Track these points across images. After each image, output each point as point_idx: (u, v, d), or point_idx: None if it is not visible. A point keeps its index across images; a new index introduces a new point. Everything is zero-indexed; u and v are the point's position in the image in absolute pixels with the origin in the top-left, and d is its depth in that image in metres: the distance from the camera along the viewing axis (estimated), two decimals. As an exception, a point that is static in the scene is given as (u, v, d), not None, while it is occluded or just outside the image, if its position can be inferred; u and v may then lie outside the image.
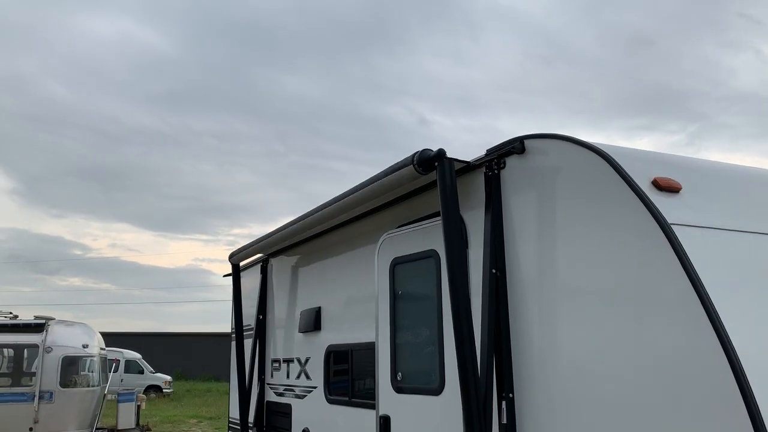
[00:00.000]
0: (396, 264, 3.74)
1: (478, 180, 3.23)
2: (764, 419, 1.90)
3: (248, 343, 6.02)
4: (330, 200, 3.99)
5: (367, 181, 3.56)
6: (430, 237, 3.49)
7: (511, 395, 2.86)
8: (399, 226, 3.79)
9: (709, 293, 2.12)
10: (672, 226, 2.29)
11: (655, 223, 2.30)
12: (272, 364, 5.63)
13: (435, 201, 3.55)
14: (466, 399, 2.70)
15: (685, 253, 2.20)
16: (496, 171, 3.12)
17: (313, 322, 4.80)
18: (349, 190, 3.74)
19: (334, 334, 4.59)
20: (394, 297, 3.72)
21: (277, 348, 5.56)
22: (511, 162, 3.06)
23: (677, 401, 2.16)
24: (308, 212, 4.29)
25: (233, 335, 6.45)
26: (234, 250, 5.80)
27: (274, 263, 5.82)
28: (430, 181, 3.57)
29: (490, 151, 3.17)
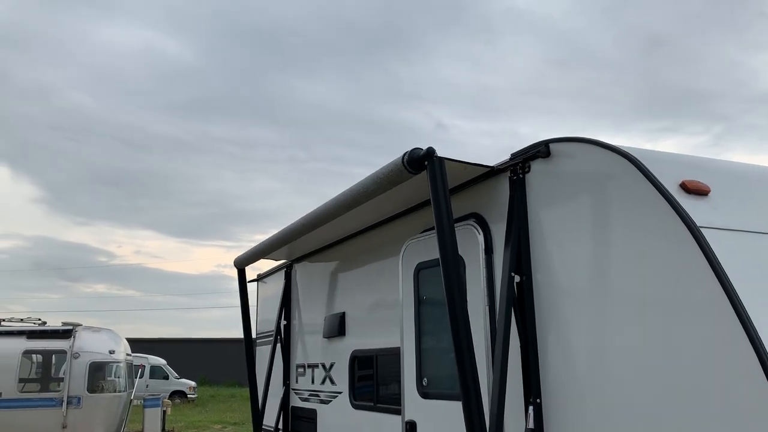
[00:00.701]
0: (420, 269, 3.74)
1: (503, 184, 3.22)
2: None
3: (266, 349, 6.05)
4: (326, 202, 3.93)
5: (359, 182, 3.49)
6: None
7: (538, 400, 2.84)
8: (423, 231, 3.79)
9: (740, 296, 2.09)
10: (701, 229, 2.27)
11: (684, 226, 2.28)
12: (297, 369, 5.65)
13: (458, 205, 3.55)
14: (467, 405, 2.69)
15: (715, 257, 2.18)
16: (521, 175, 3.11)
17: (337, 327, 4.82)
18: (343, 192, 3.68)
19: (358, 340, 4.60)
20: (419, 302, 3.72)
21: (301, 353, 5.59)
22: (537, 166, 3.05)
23: (708, 406, 2.14)
24: (306, 215, 4.24)
25: (256, 340, 6.50)
26: (239, 255, 5.79)
27: (298, 269, 5.85)
28: (453, 186, 3.57)
29: (514, 155, 3.16)
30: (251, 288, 6.56)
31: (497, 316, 2.95)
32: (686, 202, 2.36)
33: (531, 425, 2.76)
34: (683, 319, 2.26)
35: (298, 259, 5.80)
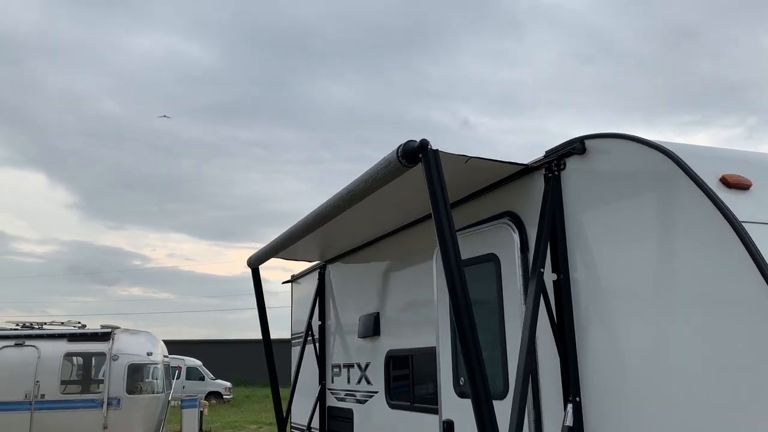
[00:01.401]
0: (455, 268, 3.73)
1: (538, 182, 3.20)
2: None
3: (296, 350, 6.11)
4: (328, 199, 3.87)
5: (358, 177, 3.41)
6: (489, 240, 3.47)
7: (578, 399, 2.82)
8: (458, 230, 3.78)
9: (785, 292, 2.05)
10: (743, 224, 2.23)
11: (726, 221, 2.24)
12: (333, 369, 5.69)
13: (492, 204, 3.54)
14: (476, 399, 2.65)
15: (758, 251, 2.14)
16: (556, 173, 3.09)
17: (372, 327, 4.83)
18: (343, 189, 3.60)
19: (393, 339, 4.61)
20: (455, 301, 3.71)
21: (337, 353, 5.62)
22: (572, 163, 3.03)
23: (751, 402, 2.10)
24: (311, 212, 4.14)
25: (291, 340, 6.55)
26: (251, 254, 5.68)
27: (332, 269, 5.89)
28: (487, 184, 3.57)
29: (549, 153, 3.14)
30: (283, 289, 6.63)
31: (525, 313, 2.93)
32: (727, 197, 2.32)
33: (569, 423, 2.74)
34: (727, 317, 2.22)
35: (332, 260, 5.83)
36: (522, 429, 2.76)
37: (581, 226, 2.93)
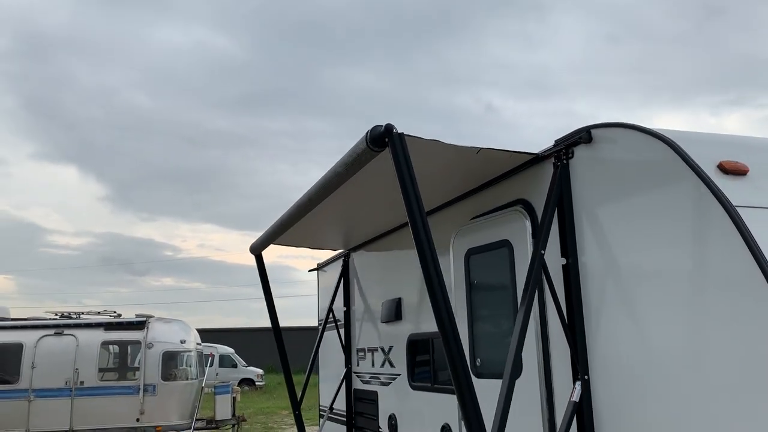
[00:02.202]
0: (470, 254, 3.88)
1: (548, 170, 3.32)
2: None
3: (328, 335, 6.33)
4: (311, 187, 3.92)
5: (334, 164, 3.48)
6: (503, 227, 3.61)
7: (586, 377, 2.96)
8: (473, 218, 3.93)
9: (776, 273, 2.16)
10: (737, 208, 2.34)
11: (720, 206, 2.35)
12: (358, 353, 5.88)
13: (505, 192, 3.67)
14: (456, 380, 2.75)
15: (750, 235, 2.25)
16: (564, 161, 3.21)
17: (394, 312, 5.01)
18: (321, 177, 3.70)
19: (414, 324, 4.78)
20: (470, 286, 3.87)
21: (361, 337, 5.81)
22: (579, 152, 3.15)
23: (744, 375, 2.22)
24: (298, 199, 4.18)
25: (319, 327, 6.77)
26: (254, 241, 5.54)
27: (356, 257, 6.07)
28: (500, 173, 3.70)
29: (558, 142, 3.26)
30: (311, 277, 6.84)
31: (522, 295, 3.04)
32: (723, 183, 2.43)
33: (576, 398, 2.88)
34: (721, 297, 2.34)
35: (355, 249, 6.01)
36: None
37: (589, 213, 3.06)
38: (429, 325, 4.51)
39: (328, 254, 6.89)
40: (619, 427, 2.77)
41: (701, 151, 2.57)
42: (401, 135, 2.85)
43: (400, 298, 5.00)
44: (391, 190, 3.99)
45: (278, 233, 4.84)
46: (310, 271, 7.26)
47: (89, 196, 67.51)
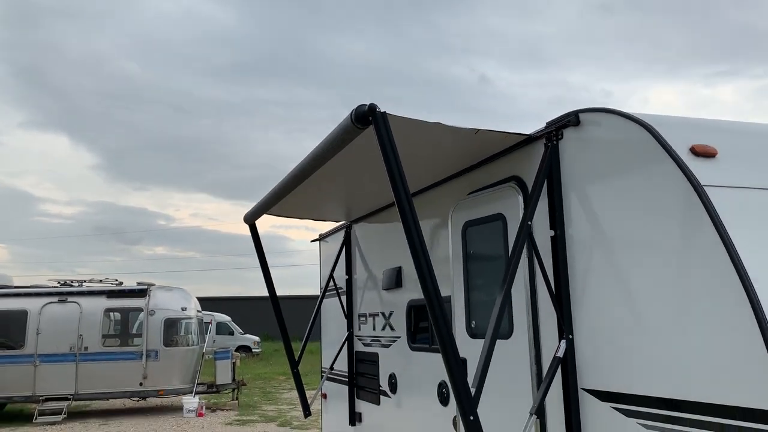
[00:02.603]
0: (467, 226, 4.21)
1: (539, 150, 3.62)
2: (777, 347, 2.28)
3: (329, 302, 6.68)
4: (302, 160, 4.11)
5: (322, 141, 3.66)
6: (497, 201, 3.93)
7: (570, 336, 3.30)
8: (470, 193, 4.24)
9: (735, 244, 2.49)
10: (705, 187, 2.66)
11: (690, 185, 2.67)
12: (359, 318, 6.24)
13: (501, 170, 3.98)
14: (441, 340, 3.04)
15: (714, 210, 2.57)
16: (554, 142, 3.51)
17: (394, 280, 5.35)
18: (311, 151, 3.87)
19: (414, 291, 5.12)
20: (467, 256, 4.20)
21: (363, 304, 6.17)
22: (568, 133, 3.45)
23: (707, 335, 2.56)
24: (290, 171, 4.37)
25: (321, 293, 7.12)
26: (247, 211, 5.61)
27: (357, 228, 6.39)
28: (495, 152, 4.00)
29: (549, 124, 3.56)
30: (307, 247, 7.17)
31: (507, 262, 3.34)
32: (693, 164, 2.75)
33: (560, 354, 3.23)
34: (688, 266, 2.67)
35: (357, 220, 6.33)
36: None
37: (576, 189, 3.37)
38: (428, 291, 4.85)
39: (325, 226, 7.20)
40: (599, 379, 3.13)
41: (675, 134, 2.87)
42: (384, 114, 3.07)
43: (400, 267, 5.34)
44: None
45: (270, 204, 5.03)
46: (312, 241, 7.59)
47: (81, 164, 67.43)
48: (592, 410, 3.16)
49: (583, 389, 3.22)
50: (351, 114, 3.15)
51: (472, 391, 3.03)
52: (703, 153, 2.83)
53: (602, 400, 3.10)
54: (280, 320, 5.79)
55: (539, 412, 3.34)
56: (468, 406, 2.92)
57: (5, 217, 68.10)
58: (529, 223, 3.37)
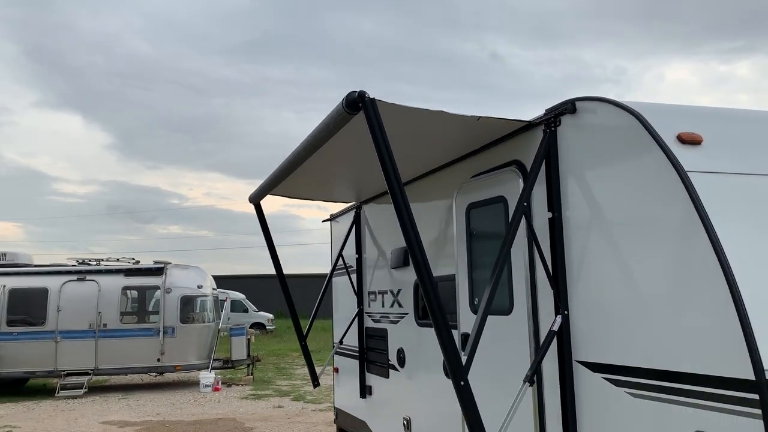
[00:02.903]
0: (471, 208, 4.41)
1: (539, 136, 3.81)
2: (749, 316, 2.48)
3: (339, 280, 6.93)
4: (300, 144, 4.30)
5: (318, 125, 3.86)
6: (499, 185, 4.12)
7: (566, 312, 3.52)
8: (473, 176, 4.44)
9: (715, 226, 2.68)
10: (689, 173, 2.84)
11: (675, 171, 2.86)
12: (369, 296, 6.49)
13: (502, 154, 4.17)
14: (434, 319, 3.27)
15: (697, 195, 2.76)
16: (553, 128, 3.70)
17: (402, 259, 5.57)
18: (306, 137, 4.07)
19: (421, 269, 5.33)
20: (470, 236, 4.41)
21: (373, 282, 6.41)
22: (565, 120, 3.63)
23: (685, 302, 2.77)
24: (289, 154, 4.55)
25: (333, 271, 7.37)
26: (252, 192, 5.75)
27: (367, 209, 6.61)
28: (498, 136, 4.19)
29: (548, 111, 3.74)
30: (319, 227, 7.42)
31: (506, 241, 3.54)
32: (679, 151, 2.93)
33: (555, 328, 3.45)
34: (672, 247, 2.87)
35: (366, 201, 6.55)
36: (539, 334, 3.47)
37: (572, 173, 3.56)
38: (434, 270, 5.06)
39: (336, 206, 7.43)
40: (591, 351, 3.35)
41: (662, 122, 3.05)
42: (373, 100, 3.24)
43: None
44: (398, 149, 4.48)
45: (271, 186, 5.20)
46: (323, 221, 7.82)
47: (95, 144, 67.98)
48: (585, 380, 3.38)
49: (576, 361, 3.45)
50: (342, 100, 3.34)
51: (464, 359, 3.26)
52: (689, 140, 3.01)
53: (594, 371, 3.32)
54: (287, 296, 6.06)
55: (533, 381, 3.55)
56: (459, 373, 3.15)
57: (20, 196, 69.01)
58: (525, 204, 3.57)
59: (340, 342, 7.09)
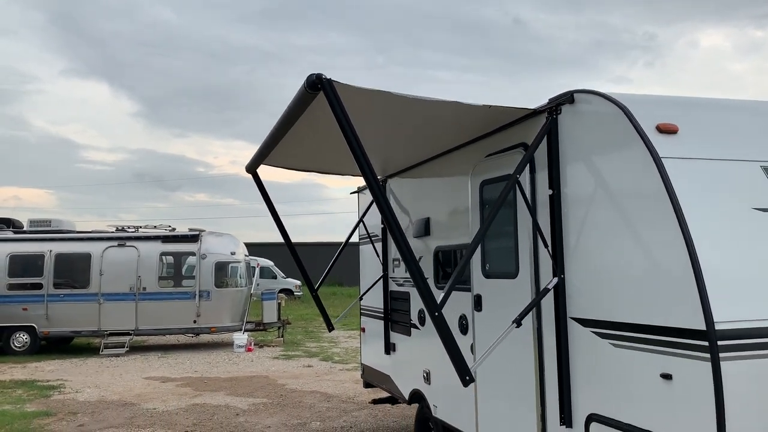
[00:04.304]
0: (484, 185, 4.96)
1: (542, 122, 4.33)
2: (705, 280, 3.03)
3: (365, 249, 7.55)
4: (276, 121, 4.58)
5: (287, 106, 4.16)
6: (508, 164, 4.66)
7: (562, 276, 4.08)
8: (486, 156, 4.98)
9: (680, 201, 3.20)
10: (663, 159, 3.37)
11: (651, 157, 3.38)
12: (393, 262, 7.11)
13: (512, 137, 4.70)
14: (419, 288, 3.82)
15: (668, 178, 3.28)
16: (554, 116, 4.22)
17: (423, 228, 6.16)
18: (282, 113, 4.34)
19: (439, 239, 5.93)
20: (483, 209, 4.98)
21: (396, 249, 7.01)
22: (565, 109, 4.14)
23: (657, 263, 3.32)
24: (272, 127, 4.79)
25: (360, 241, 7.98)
26: (247, 162, 5.88)
27: (391, 183, 7.19)
28: (508, 122, 4.71)
29: (551, 101, 4.25)
30: (343, 196, 8.03)
31: (496, 206, 4.01)
32: (656, 139, 3.44)
33: (549, 286, 4.03)
34: (647, 220, 3.41)
35: (391, 175, 7.12)
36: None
37: (569, 156, 4.09)
38: (452, 239, 5.66)
39: (359, 180, 8.00)
40: (582, 309, 3.92)
41: (644, 112, 3.56)
42: (330, 81, 3.56)
43: (428, 218, 6.14)
44: (421, 127, 5.02)
45: (263, 156, 5.43)
46: (351, 193, 8.41)
47: (122, 112, 69.13)
48: (577, 334, 3.96)
49: (570, 318, 4.02)
50: (304, 82, 3.61)
51: (477, 316, 3.83)
52: (666, 130, 3.53)
53: (584, 326, 3.89)
54: (295, 257, 6.39)
55: (519, 323, 4.00)
56: (433, 307, 3.74)
57: (51, 163, 70.76)
58: (518, 176, 4.09)
59: (360, 299, 7.79)
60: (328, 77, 3.56)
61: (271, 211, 6.18)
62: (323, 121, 4.28)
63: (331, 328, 6.84)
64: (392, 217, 3.78)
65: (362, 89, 3.79)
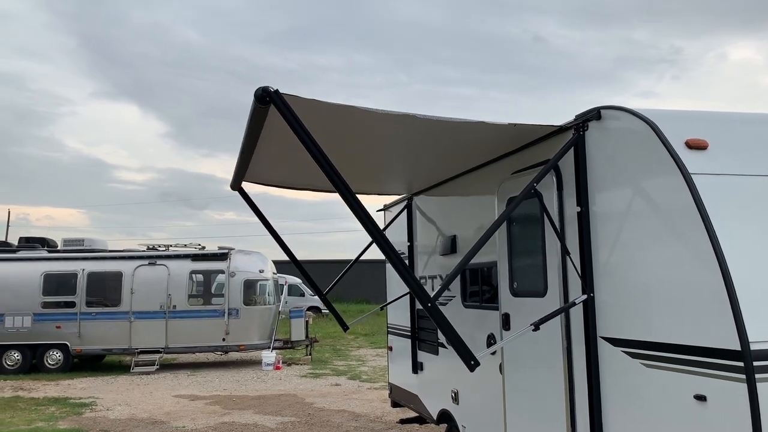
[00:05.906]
0: (511, 201, 4.93)
1: (569, 138, 4.30)
2: (738, 298, 2.96)
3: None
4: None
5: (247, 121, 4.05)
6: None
7: (591, 294, 4.03)
8: (513, 173, 4.96)
9: (711, 218, 3.15)
10: (693, 175, 3.31)
11: (680, 174, 3.33)
12: (420, 280, 7.08)
13: (538, 154, 4.68)
14: (414, 299, 3.84)
15: (698, 194, 3.23)
16: (581, 132, 4.18)
17: (450, 246, 6.13)
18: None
19: (467, 256, 5.89)
20: (510, 226, 4.94)
21: (423, 267, 6.99)
22: (592, 125, 4.11)
23: (689, 298, 3.25)
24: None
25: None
26: (230, 180, 5.82)
27: (417, 201, 7.18)
28: (534, 139, 4.69)
29: (577, 117, 4.22)
30: (379, 216, 8.01)
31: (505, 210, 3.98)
32: (685, 155, 3.40)
33: (578, 301, 3.97)
34: (678, 237, 3.36)
35: (417, 193, 7.12)
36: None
37: (597, 173, 4.05)
38: (478, 257, 5.60)
39: (389, 198, 8.01)
40: (612, 329, 3.85)
41: (673, 129, 3.52)
42: (277, 92, 3.42)
43: (455, 235, 6.11)
44: (445, 146, 5.01)
45: (241, 173, 5.37)
46: (378, 211, 8.42)
47: (151, 132, 70.47)
48: (607, 354, 3.89)
49: (600, 337, 3.96)
50: (255, 96, 3.47)
51: (505, 336, 3.78)
52: (695, 146, 3.48)
53: (614, 346, 3.83)
54: (301, 270, 6.53)
55: (538, 327, 3.98)
56: (426, 298, 3.72)
57: (83, 183, 72.26)
58: (535, 185, 4.05)
59: (381, 308, 7.95)
60: (275, 88, 3.42)
61: (264, 225, 6.17)
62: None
63: (345, 327, 6.88)
64: (368, 219, 3.83)
65: (313, 101, 3.59)
